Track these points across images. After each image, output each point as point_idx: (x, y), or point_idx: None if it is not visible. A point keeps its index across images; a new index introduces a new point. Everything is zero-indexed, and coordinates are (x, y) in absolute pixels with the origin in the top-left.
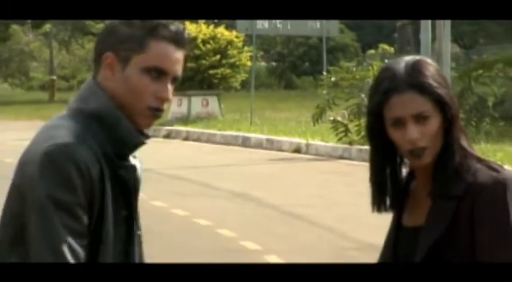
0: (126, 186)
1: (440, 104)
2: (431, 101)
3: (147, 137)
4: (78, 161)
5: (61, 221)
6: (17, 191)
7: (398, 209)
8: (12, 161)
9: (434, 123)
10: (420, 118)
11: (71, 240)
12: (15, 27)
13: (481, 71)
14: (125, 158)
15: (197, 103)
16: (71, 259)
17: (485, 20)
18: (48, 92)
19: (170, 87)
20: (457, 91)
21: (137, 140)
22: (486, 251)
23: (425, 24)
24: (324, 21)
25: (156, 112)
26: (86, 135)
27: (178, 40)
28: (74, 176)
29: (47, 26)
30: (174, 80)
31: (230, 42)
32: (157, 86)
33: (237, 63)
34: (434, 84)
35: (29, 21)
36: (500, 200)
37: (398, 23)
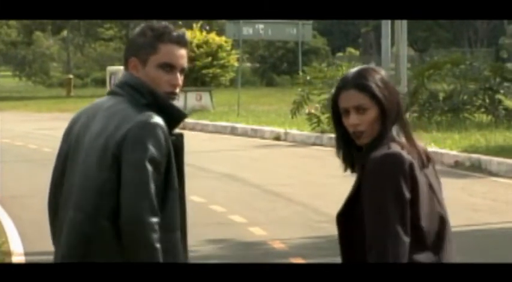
0: (177, 149)
1: (376, 99)
2: (368, 97)
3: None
4: (163, 128)
5: (151, 174)
6: (110, 158)
7: None
8: (36, 147)
9: (371, 113)
10: (360, 109)
11: (154, 189)
12: (38, 33)
13: (432, 71)
14: (173, 129)
15: (192, 98)
16: (155, 202)
17: (436, 27)
18: (65, 89)
19: (179, 76)
20: (412, 88)
21: (185, 115)
22: (365, 213)
23: (386, 31)
24: (300, 28)
25: (172, 95)
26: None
27: (180, 41)
28: (162, 140)
29: (65, 32)
30: (182, 70)
31: (220, 46)
32: (170, 76)
33: (226, 64)
34: (372, 85)
35: (50, 28)
36: (372, 170)
37: (363, 29)
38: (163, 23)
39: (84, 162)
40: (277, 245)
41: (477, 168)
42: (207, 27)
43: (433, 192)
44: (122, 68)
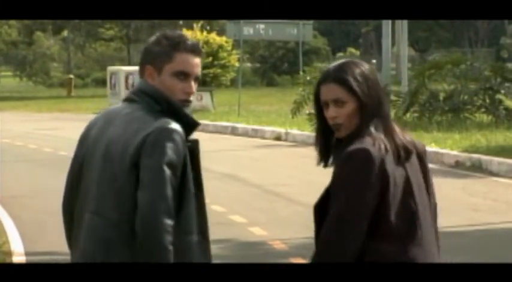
0: (194, 154)
1: (353, 93)
2: (346, 91)
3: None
4: (180, 134)
5: (169, 177)
6: (128, 162)
7: None
8: (36, 147)
9: (349, 107)
10: (338, 102)
11: (171, 192)
12: (38, 33)
13: (433, 71)
14: (188, 136)
15: (193, 98)
16: (171, 204)
17: (437, 27)
18: (66, 89)
19: (193, 84)
20: (413, 88)
21: (198, 123)
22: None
23: (386, 31)
24: (300, 28)
25: (185, 103)
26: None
27: (195, 50)
28: (180, 145)
29: (65, 32)
30: (196, 78)
31: (221, 46)
32: (184, 85)
33: (227, 64)
34: (350, 79)
35: (50, 28)
36: (340, 165)
37: (363, 29)
38: (178, 32)
39: (102, 167)
40: (277, 245)
41: (478, 168)
42: (208, 27)
43: (410, 186)
44: (122, 68)
